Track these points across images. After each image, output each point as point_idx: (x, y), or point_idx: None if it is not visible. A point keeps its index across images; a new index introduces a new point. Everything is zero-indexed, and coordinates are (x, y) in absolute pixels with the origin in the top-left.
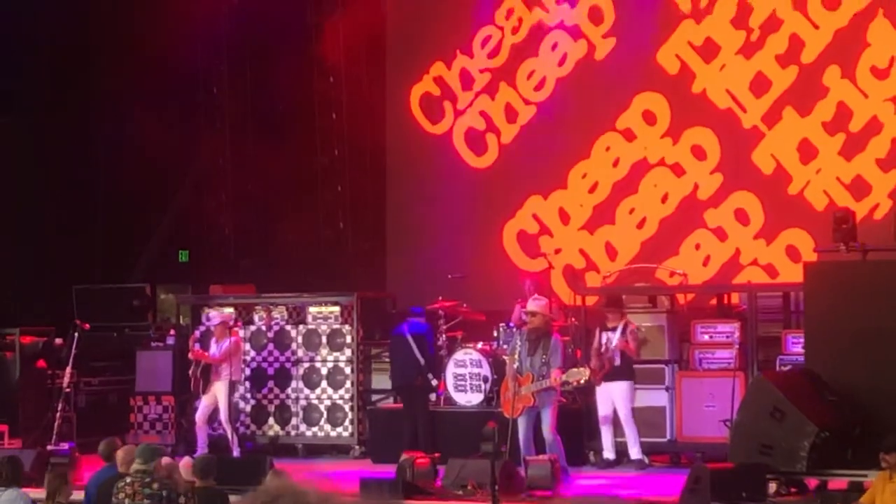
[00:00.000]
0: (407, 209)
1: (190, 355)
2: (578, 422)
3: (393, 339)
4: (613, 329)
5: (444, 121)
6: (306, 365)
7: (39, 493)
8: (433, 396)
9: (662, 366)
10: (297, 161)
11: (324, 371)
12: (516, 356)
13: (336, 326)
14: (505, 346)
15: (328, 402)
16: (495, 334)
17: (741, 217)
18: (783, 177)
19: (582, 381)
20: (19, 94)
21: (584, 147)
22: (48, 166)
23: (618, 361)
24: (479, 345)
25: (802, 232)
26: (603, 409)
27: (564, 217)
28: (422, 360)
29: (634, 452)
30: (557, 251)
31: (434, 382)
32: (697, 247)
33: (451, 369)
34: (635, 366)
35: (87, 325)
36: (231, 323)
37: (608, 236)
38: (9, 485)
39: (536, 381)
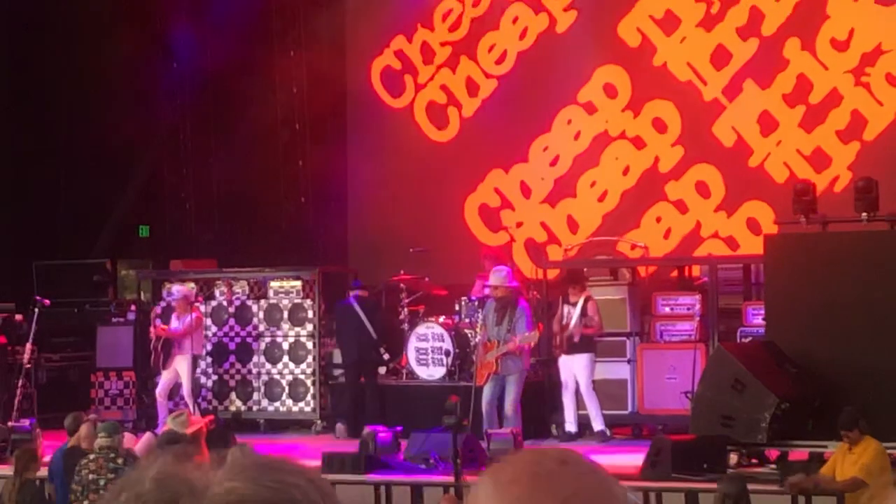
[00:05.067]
0: (368, 183)
1: (152, 331)
2: (540, 395)
3: (340, 311)
4: (574, 303)
5: (405, 94)
6: (268, 340)
7: (2, 470)
8: (382, 370)
9: (624, 338)
10: (258, 136)
11: (285, 346)
12: (488, 326)
13: (297, 301)
14: (467, 320)
15: (290, 377)
16: (457, 308)
17: (702, 189)
18: (744, 149)
19: (532, 343)
20: None
21: (545, 120)
22: (5, 140)
23: (577, 339)
24: (441, 318)
25: (763, 204)
26: (565, 382)
27: (526, 190)
28: (374, 335)
29: (597, 425)
30: (519, 225)
31: (386, 357)
32: (658, 219)
33: (412, 343)
34: (597, 339)
35: (48, 302)
36: (192, 298)
37: (569, 209)
38: None
39: (498, 347)
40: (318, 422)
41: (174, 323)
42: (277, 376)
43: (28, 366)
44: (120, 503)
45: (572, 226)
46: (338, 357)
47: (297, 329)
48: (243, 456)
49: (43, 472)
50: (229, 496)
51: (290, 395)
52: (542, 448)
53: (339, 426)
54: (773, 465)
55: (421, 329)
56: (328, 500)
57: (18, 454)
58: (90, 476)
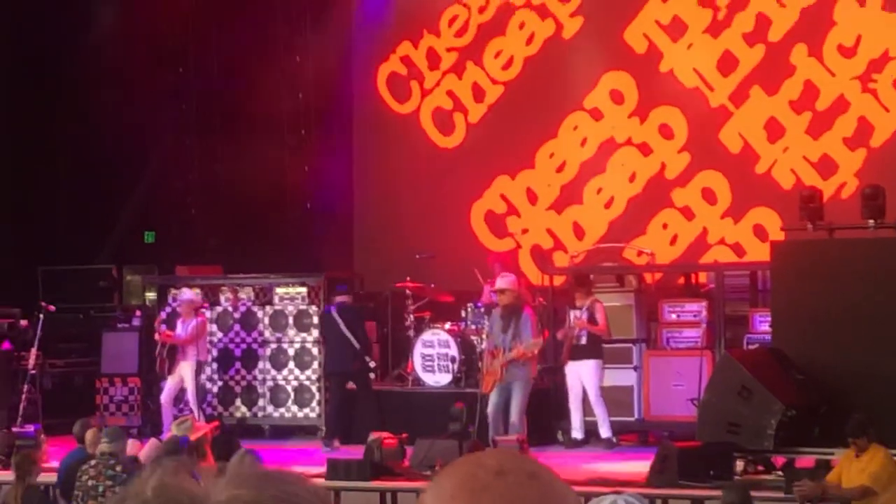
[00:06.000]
0: (374, 189)
1: (156, 337)
2: (547, 401)
3: (323, 320)
4: (580, 307)
5: (411, 100)
6: (273, 346)
7: (4, 475)
8: (372, 376)
9: (630, 345)
10: (264, 141)
11: (291, 352)
12: (494, 334)
13: (303, 307)
14: (473, 327)
15: (295, 383)
16: (463, 314)
17: (708, 196)
18: (750, 156)
19: (535, 351)
20: None
21: (551, 126)
22: (10, 146)
23: (583, 340)
24: (447, 325)
25: (770, 211)
26: (572, 389)
27: (532, 197)
28: (356, 344)
29: (604, 431)
30: (525, 231)
31: (372, 364)
32: (665, 226)
33: (418, 350)
34: (604, 344)
35: (53, 307)
36: (199, 303)
37: (576, 216)
38: None
39: (504, 355)
40: (324, 428)
41: (178, 328)
42: (283, 382)
43: (33, 371)
44: None
45: (578, 232)
46: None
47: (303, 335)
48: (243, 464)
49: (51, 477)
50: None
51: (295, 402)
52: (483, 455)
53: (335, 443)
54: (780, 472)
55: (427, 335)
56: None
57: (17, 460)
58: (89, 482)
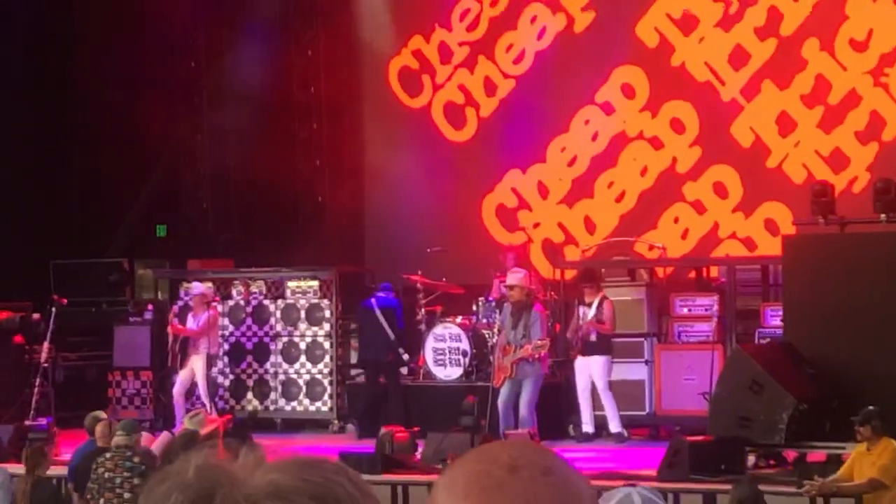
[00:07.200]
0: (385, 183)
1: (168, 329)
2: (557, 396)
3: (361, 312)
4: (589, 304)
5: (422, 94)
6: (285, 339)
7: (17, 468)
8: (404, 370)
9: (641, 339)
10: (275, 134)
11: (302, 346)
12: (505, 329)
13: (315, 301)
14: (484, 321)
15: (307, 377)
16: (474, 308)
17: (720, 190)
18: (762, 150)
19: (543, 353)
20: None
21: (562, 120)
22: (24, 140)
23: (593, 337)
24: (459, 319)
25: (781, 205)
26: (581, 383)
27: (543, 191)
28: (392, 335)
29: (614, 426)
30: (536, 225)
31: (405, 357)
32: (676, 220)
33: (430, 343)
34: (614, 339)
35: (65, 300)
36: (210, 296)
37: (587, 210)
38: None
39: (514, 352)
40: (335, 422)
41: (190, 322)
42: (294, 376)
43: (45, 365)
44: (162, 490)
45: (590, 226)
46: (355, 357)
47: (315, 329)
48: (254, 455)
49: (61, 470)
50: (269, 487)
51: (307, 395)
52: (495, 449)
53: (350, 426)
54: (791, 467)
55: (438, 329)
56: (368, 500)
57: (28, 453)
58: (106, 474)
